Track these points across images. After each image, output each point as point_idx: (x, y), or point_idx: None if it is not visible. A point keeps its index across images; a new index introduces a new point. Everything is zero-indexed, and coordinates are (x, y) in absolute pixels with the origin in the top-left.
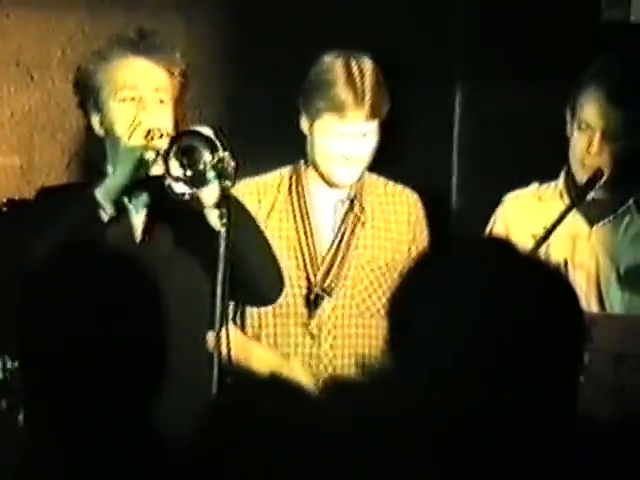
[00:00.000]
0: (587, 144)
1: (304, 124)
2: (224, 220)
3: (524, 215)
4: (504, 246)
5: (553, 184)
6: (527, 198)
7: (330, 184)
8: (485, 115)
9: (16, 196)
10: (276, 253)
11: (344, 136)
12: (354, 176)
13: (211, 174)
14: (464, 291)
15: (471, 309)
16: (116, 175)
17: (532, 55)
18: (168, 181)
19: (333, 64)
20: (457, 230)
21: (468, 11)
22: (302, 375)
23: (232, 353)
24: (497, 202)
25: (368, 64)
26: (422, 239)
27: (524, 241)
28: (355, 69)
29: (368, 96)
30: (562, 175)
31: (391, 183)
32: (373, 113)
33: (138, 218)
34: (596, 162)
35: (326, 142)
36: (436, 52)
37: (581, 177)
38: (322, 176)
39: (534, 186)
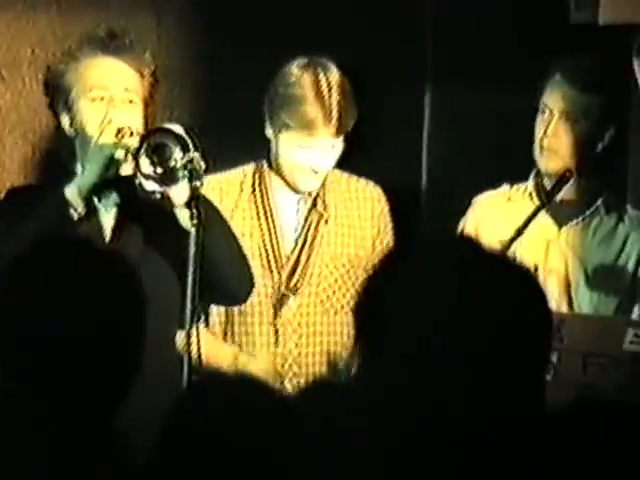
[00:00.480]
0: (546, 126)
1: (268, 132)
2: (194, 220)
3: (493, 216)
4: (471, 245)
5: (523, 186)
6: (497, 199)
7: (294, 189)
8: (454, 115)
9: None
10: (245, 251)
11: (309, 149)
12: (318, 183)
13: (181, 173)
14: (431, 290)
15: (438, 308)
16: (86, 173)
17: (501, 56)
18: (138, 179)
19: (301, 79)
20: (426, 229)
21: (437, 11)
22: (268, 373)
23: (202, 352)
24: (467, 202)
25: (336, 77)
26: (386, 234)
27: (493, 242)
28: (324, 85)
29: (336, 114)
30: (532, 177)
31: (354, 178)
32: (340, 129)
33: (108, 217)
34: (554, 144)
35: (291, 154)
36: (405, 52)
37: (541, 163)
38: (286, 182)
39: (504, 188)
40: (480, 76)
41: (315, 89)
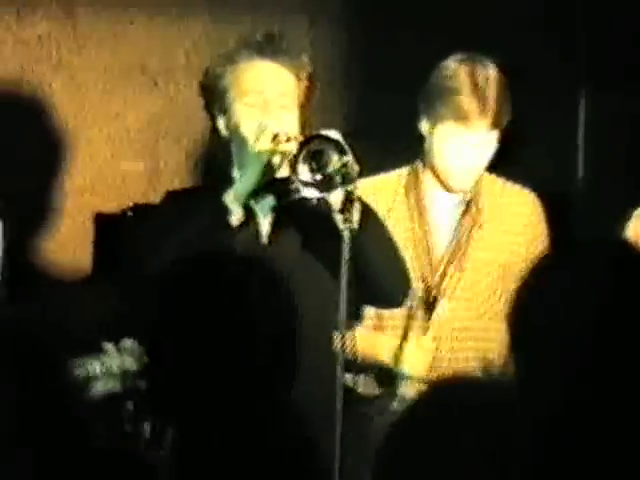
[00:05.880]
0: None
1: (424, 126)
2: (348, 224)
3: None
4: (630, 251)
5: None
6: None
7: (447, 189)
8: (610, 117)
9: (142, 201)
10: (402, 255)
11: (464, 143)
12: (472, 182)
13: (339, 178)
14: (586, 295)
15: (593, 313)
16: (244, 180)
17: None
18: (296, 185)
19: (458, 71)
20: (582, 234)
21: (591, 12)
22: (423, 358)
23: (357, 352)
24: (624, 207)
25: (493, 72)
26: (541, 240)
27: None
28: (480, 78)
29: (492, 106)
30: None
31: (509, 183)
32: (495, 123)
33: (265, 221)
34: None
35: (446, 148)
36: (560, 52)
37: None
38: (439, 180)
39: None
40: (636, 78)
41: (472, 81)
